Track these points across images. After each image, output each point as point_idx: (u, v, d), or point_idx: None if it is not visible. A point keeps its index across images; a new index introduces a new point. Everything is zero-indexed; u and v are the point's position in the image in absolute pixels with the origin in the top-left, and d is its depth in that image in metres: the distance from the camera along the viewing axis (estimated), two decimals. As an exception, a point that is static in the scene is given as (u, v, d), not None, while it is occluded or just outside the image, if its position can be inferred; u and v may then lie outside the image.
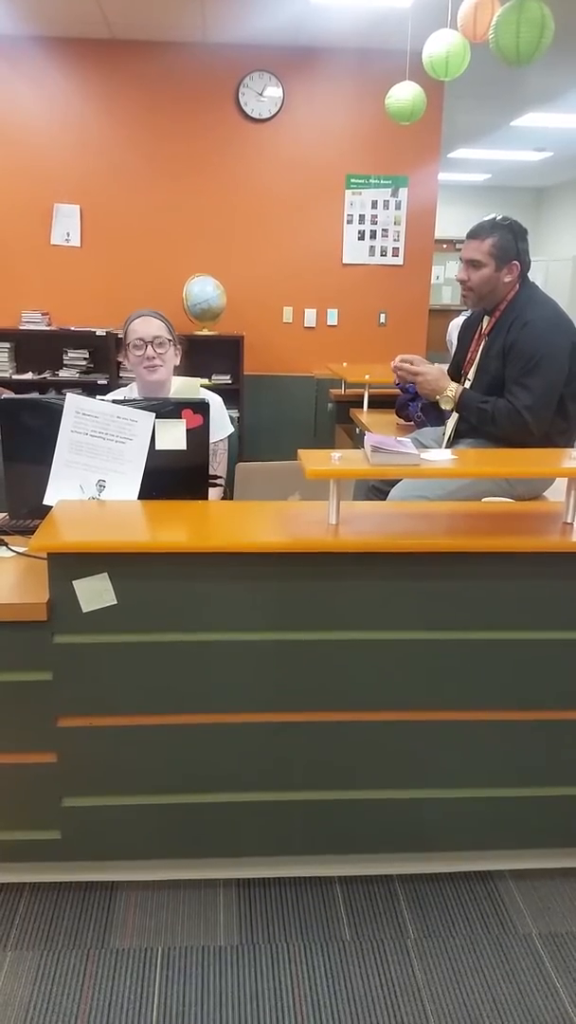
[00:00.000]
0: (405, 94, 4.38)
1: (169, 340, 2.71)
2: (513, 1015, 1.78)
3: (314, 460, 1.92)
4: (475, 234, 2.79)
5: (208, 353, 5.97)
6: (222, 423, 2.76)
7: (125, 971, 1.86)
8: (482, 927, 2.01)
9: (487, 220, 2.80)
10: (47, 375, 5.93)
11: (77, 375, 5.92)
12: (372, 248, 6.16)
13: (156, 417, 2.14)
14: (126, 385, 2.91)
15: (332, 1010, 1.78)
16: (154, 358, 2.67)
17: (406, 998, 1.81)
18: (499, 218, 2.79)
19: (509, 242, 2.74)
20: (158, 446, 2.15)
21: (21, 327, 5.91)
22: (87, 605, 1.85)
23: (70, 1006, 1.77)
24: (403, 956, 1.93)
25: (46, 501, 2.11)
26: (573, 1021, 1.77)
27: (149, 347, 2.67)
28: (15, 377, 5.89)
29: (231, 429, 2.86)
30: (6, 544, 2.11)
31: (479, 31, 3.54)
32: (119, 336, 5.59)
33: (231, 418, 2.89)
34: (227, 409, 2.86)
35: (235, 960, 1.90)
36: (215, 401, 2.70)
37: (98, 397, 2.30)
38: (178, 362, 2.79)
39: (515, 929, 2.01)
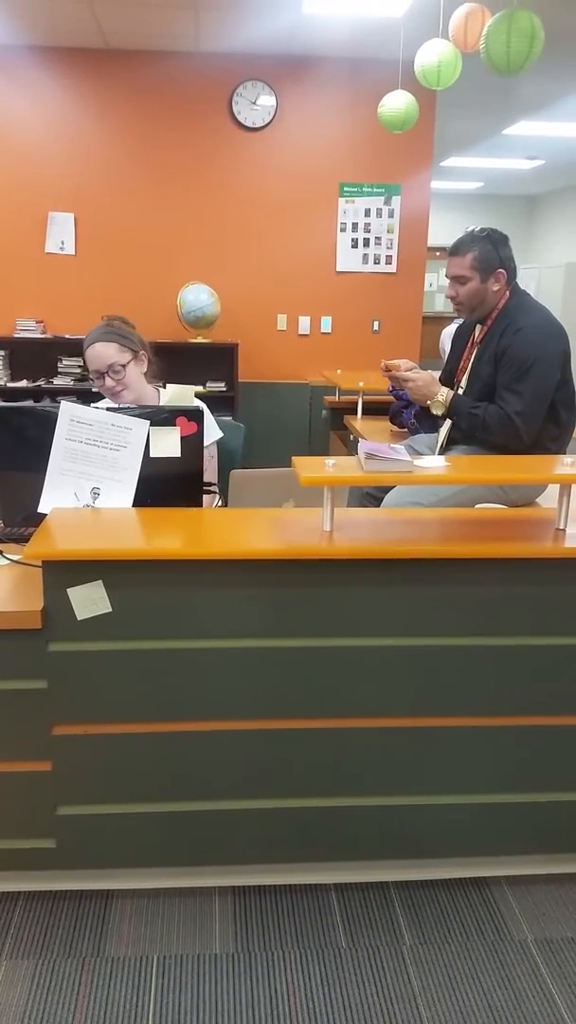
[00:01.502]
0: (397, 103, 4.41)
1: (124, 364, 2.60)
2: (509, 1021, 1.78)
3: (308, 467, 1.92)
4: (455, 251, 2.82)
5: (202, 361, 5.98)
6: (210, 428, 2.75)
7: (121, 980, 1.86)
8: (478, 933, 2.01)
9: (465, 235, 2.83)
10: (41, 383, 5.94)
11: (71, 383, 5.93)
12: (365, 256, 6.18)
13: (151, 424, 2.14)
14: None
15: (328, 1018, 1.77)
16: (115, 385, 2.61)
17: (402, 1005, 1.81)
18: (476, 230, 2.82)
19: (490, 252, 2.76)
20: (153, 453, 2.15)
21: (15, 335, 5.92)
22: (82, 613, 1.85)
23: (65, 1015, 1.77)
24: (399, 963, 1.92)
25: (40, 509, 2.11)
26: (569, 1027, 1.77)
27: (107, 378, 2.61)
28: (9, 385, 5.89)
29: (220, 434, 2.85)
30: (1, 552, 2.11)
31: (470, 41, 3.57)
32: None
33: (233, 424, 2.87)
34: (223, 416, 2.86)
35: (231, 968, 1.90)
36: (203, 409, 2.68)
37: (92, 405, 2.30)
38: (146, 367, 2.70)
39: (511, 935, 2.01)
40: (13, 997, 1.81)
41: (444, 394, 2.85)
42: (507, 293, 2.82)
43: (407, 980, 1.88)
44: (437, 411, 2.88)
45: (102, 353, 2.60)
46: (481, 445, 2.78)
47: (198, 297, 5.80)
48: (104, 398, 2.78)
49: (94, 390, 2.72)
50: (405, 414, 3.96)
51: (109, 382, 2.60)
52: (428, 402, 2.89)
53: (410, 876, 2.17)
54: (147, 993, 1.82)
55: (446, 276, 2.87)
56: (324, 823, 2.07)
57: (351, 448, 4.54)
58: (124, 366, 2.61)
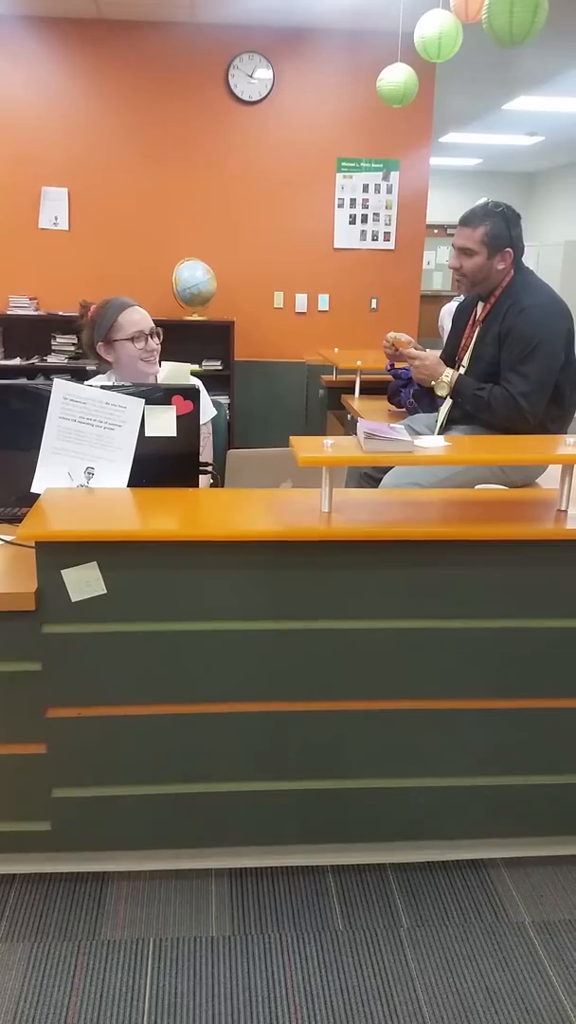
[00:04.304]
0: (397, 76, 4.33)
1: (159, 330, 2.65)
2: (506, 1003, 1.77)
3: (307, 447, 1.89)
4: (467, 221, 2.75)
5: (198, 338, 5.92)
6: (205, 407, 2.71)
7: (116, 962, 1.85)
8: (475, 916, 2.01)
9: (479, 206, 2.76)
10: (35, 361, 5.88)
11: (66, 360, 5.87)
12: (363, 232, 6.11)
13: (146, 403, 2.11)
14: (103, 372, 2.78)
15: (325, 1000, 1.77)
16: (154, 349, 2.60)
17: (399, 987, 1.81)
18: (491, 204, 2.75)
19: (502, 229, 2.70)
20: (148, 433, 2.12)
21: (9, 312, 5.85)
22: (76, 594, 1.83)
23: (61, 998, 1.76)
24: (396, 945, 1.92)
25: (34, 489, 2.08)
26: (566, 1009, 1.76)
27: (150, 339, 2.59)
28: (3, 363, 5.83)
29: (214, 412, 2.82)
30: (-6, 532, 2.08)
31: (472, 11, 3.50)
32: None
33: (220, 403, 2.85)
34: (218, 395, 2.82)
35: (227, 951, 1.89)
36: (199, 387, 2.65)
37: (86, 383, 2.26)
38: None
39: (508, 917, 2.01)
40: (8, 980, 1.80)
41: (449, 375, 2.81)
42: (511, 272, 2.77)
43: (404, 962, 1.87)
44: (441, 392, 2.84)
45: (145, 315, 2.61)
46: (483, 425, 2.75)
47: (194, 274, 5.73)
48: (97, 376, 2.74)
49: (89, 368, 2.69)
50: (403, 393, 3.91)
51: (152, 344, 2.60)
52: (433, 382, 2.85)
53: (407, 858, 2.16)
54: (143, 976, 1.82)
55: (453, 245, 2.80)
56: (321, 805, 2.06)
57: (348, 428, 4.50)
58: (158, 332, 2.63)
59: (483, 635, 1.96)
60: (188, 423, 2.14)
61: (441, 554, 1.89)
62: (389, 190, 6.04)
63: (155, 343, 2.61)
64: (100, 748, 1.96)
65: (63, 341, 5.90)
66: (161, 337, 2.64)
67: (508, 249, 2.72)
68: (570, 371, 2.71)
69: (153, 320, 2.63)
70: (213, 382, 2.69)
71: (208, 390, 2.68)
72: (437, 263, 11.26)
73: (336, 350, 5.31)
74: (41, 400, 2.10)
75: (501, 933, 1.96)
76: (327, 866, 2.15)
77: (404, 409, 3.90)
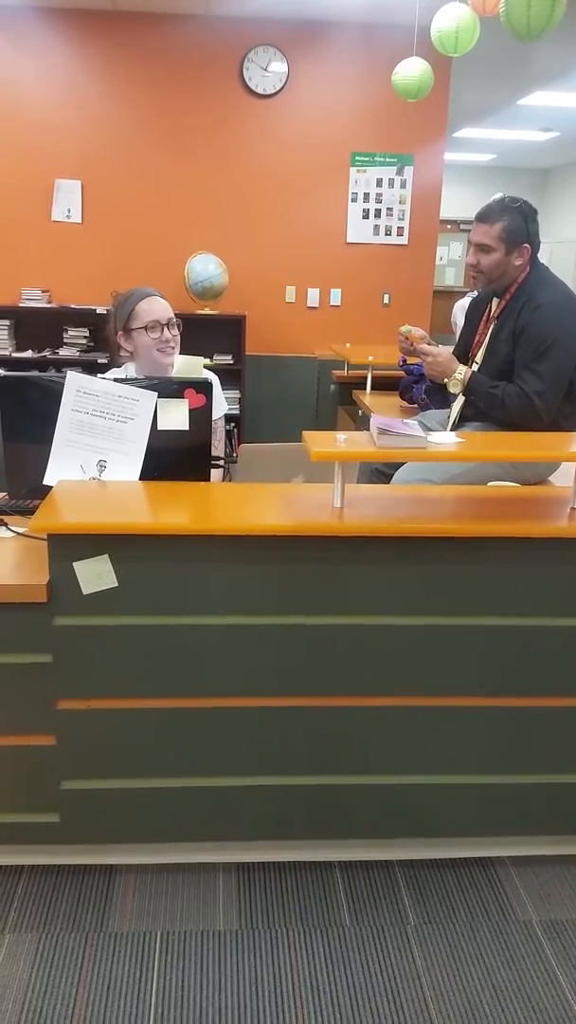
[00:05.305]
0: (412, 70, 4.31)
1: (178, 321, 2.65)
2: (513, 1002, 1.77)
3: (320, 442, 1.89)
4: (484, 217, 2.72)
5: (209, 332, 5.91)
6: (219, 401, 2.71)
7: (124, 955, 1.85)
8: (482, 914, 2.01)
9: (496, 202, 2.73)
10: (47, 353, 5.88)
11: (77, 353, 5.87)
12: (376, 227, 6.09)
13: (159, 396, 2.10)
14: (119, 365, 2.79)
15: (331, 995, 1.77)
16: (170, 340, 2.59)
17: (406, 984, 1.80)
18: (508, 199, 2.72)
19: (519, 225, 2.68)
20: (160, 426, 2.11)
21: (21, 304, 5.85)
22: (87, 587, 1.83)
23: (68, 989, 1.76)
24: (403, 942, 1.92)
25: (46, 481, 2.08)
26: (572, 1008, 1.76)
27: (166, 329, 2.58)
28: (15, 355, 5.84)
29: (227, 407, 2.80)
30: (6, 524, 2.08)
31: (489, 5, 3.48)
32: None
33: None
34: (229, 389, 2.81)
35: (234, 945, 1.89)
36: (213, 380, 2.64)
37: (99, 376, 2.26)
38: None
39: (515, 916, 2.00)
40: (16, 970, 1.81)
41: (463, 372, 2.79)
42: (527, 268, 2.75)
43: (411, 959, 1.87)
44: (455, 389, 2.83)
45: (164, 305, 2.60)
46: (496, 423, 2.74)
47: (206, 267, 5.72)
48: (110, 369, 2.74)
49: (100, 360, 2.68)
50: (415, 389, 3.90)
51: (167, 334, 2.59)
52: (445, 380, 2.84)
53: (415, 855, 2.16)
54: (150, 969, 1.82)
55: (469, 241, 2.78)
56: (330, 801, 2.05)
57: (359, 424, 4.49)
58: (177, 324, 2.62)
59: (495, 632, 1.95)
60: (200, 417, 2.13)
61: (453, 551, 1.88)
62: (403, 185, 6.02)
63: (171, 334, 2.60)
64: (110, 740, 1.96)
65: (75, 334, 5.89)
66: (180, 328, 2.63)
67: (525, 245, 2.70)
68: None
69: None
70: (224, 376, 2.67)
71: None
72: (450, 259, 11.23)
73: (348, 345, 5.30)
74: (54, 393, 2.10)
75: (508, 931, 1.96)
76: (334, 862, 2.14)
77: (416, 405, 3.89)
